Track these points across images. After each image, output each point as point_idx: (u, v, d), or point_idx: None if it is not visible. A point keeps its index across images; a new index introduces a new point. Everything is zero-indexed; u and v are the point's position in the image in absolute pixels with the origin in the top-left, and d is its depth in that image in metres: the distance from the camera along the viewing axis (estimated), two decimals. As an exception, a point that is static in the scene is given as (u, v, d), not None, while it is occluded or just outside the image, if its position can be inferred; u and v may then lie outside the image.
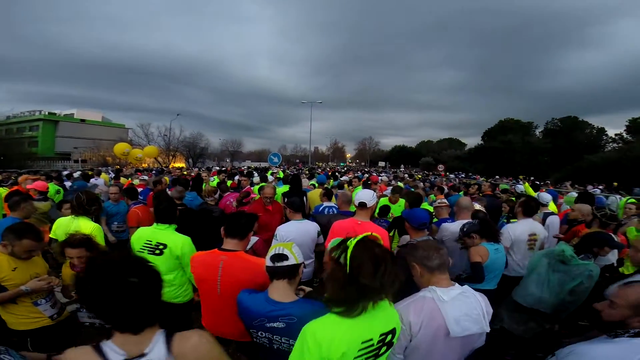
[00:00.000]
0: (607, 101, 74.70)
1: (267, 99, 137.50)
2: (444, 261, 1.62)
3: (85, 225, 3.10)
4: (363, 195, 2.89)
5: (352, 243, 1.35)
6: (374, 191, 3.23)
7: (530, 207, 3.59)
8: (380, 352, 1.37)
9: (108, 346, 1.03)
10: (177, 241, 2.68)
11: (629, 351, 1.27)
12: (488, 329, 1.56)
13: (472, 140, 67.42)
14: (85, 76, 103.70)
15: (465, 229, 2.88)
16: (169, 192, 5.10)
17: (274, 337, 1.62)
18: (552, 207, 5.30)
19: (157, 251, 2.67)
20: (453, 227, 3.25)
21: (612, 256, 3.47)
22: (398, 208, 5.03)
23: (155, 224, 2.80)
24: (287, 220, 3.39)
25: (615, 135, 43.71)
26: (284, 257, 1.64)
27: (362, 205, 2.86)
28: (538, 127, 51.85)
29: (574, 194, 6.85)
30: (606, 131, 46.67)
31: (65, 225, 3.12)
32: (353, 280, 1.26)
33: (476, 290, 2.60)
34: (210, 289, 2.08)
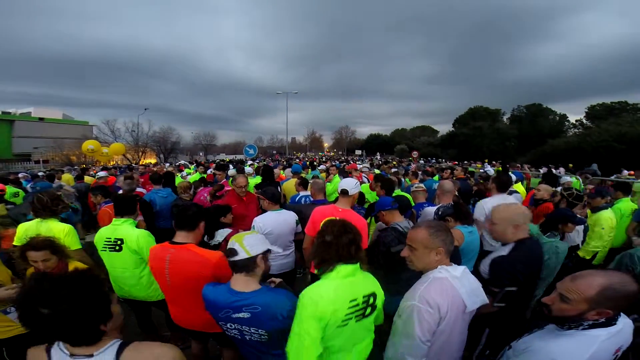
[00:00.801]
0: (569, 89, 79.29)
1: (241, 90, 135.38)
2: (450, 246, 1.65)
3: (57, 228, 2.90)
4: (346, 183, 2.89)
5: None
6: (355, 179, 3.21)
7: (503, 182, 3.72)
8: (366, 313, 1.62)
9: (58, 346, 1.09)
10: (132, 235, 2.63)
11: (585, 344, 1.29)
12: (487, 300, 1.65)
13: (443, 128, 69.37)
14: (43, 72, 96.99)
15: (440, 213, 2.92)
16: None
17: (243, 327, 1.62)
18: (519, 188, 5.51)
19: (117, 247, 2.63)
20: (432, 210, 3.26)
21: (578, 237, 3.66)
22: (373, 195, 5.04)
23: (114, 219, 2.75)
24: (263, 211, 3.34)
25: (576, 121, 46.55)
26: (233, 252, 1.62)
27: (344, 192, 2.87)
28: (505, 114, 53.77)
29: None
30: (568, 117, 49.38)
31: (34, 229, 2.83)
32: (321, 239, 1.66)
33: None
34: (163, 282, 2.11)
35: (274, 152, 55.25)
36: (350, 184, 2.87)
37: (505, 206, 2.19)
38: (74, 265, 2.39)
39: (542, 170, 14.20)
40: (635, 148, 23.23)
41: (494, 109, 53.82)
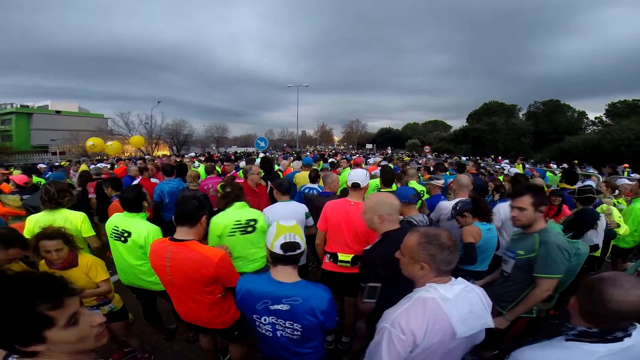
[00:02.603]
0: (589, 86, 76.81)
1: (253, 83, 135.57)
2: (448, 263, 1.37)
3: (73, 216, 2.93)
4: (356, 175, 2.80)
5: None
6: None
7: (520, 183, 3.57)
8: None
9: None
10: (141, 230, 2.59)
11: (574, 358, 1.17)
12: (492, 324, 1.40)
13: (456, 123, 68.42)
14: (59, 66, 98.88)
15: (458, 208, 2.82)
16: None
17: (278, 321, 1.56)
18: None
19: (122, 238, 2.61)
20: (451, 206, 3.15)
21: (596, 238, 3.49)
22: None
23: (125, 211, 2.72)
24: (274, 202, 3.32)
25: (595, 118, 45.05)
26: (296, 246, 1.54)
27: (355, 185, 2.78)
28: (521, 110, 52.48)
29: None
30: (587, 115, 47.93)
31: (44, 220, 2.75)
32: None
33: (468, 272, 2.63)
34: (164, 278, 2.06)
35: (285, 145, 55.42)
36: (361, 176, 2.78)
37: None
38: (84, 257, 2.38)
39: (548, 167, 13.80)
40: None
41: (510, 105, 52.55)
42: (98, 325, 0.99)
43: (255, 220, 2.80)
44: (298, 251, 1.55)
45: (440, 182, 3.98)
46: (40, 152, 35.08)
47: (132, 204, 2.70)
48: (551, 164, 19.36)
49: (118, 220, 2.71)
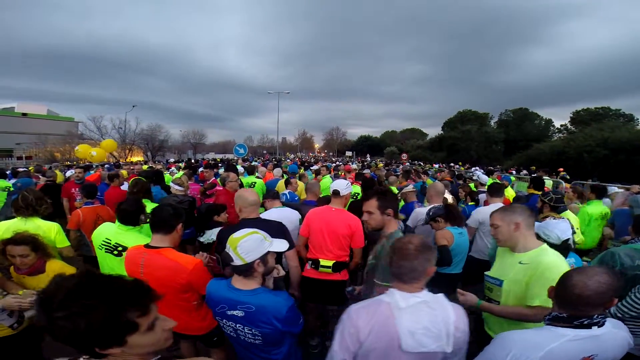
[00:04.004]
0: (555, 95, 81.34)
1: (233, 88, 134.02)
2: (408, 271, 1.37)
3: (47, 226, 2.82)
4: (337, 184, 2.93)
5: None
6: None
7: (495, 189, 3.82)
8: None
9: None
10: (136, 243, 2.47)
11: (546, 338, 1.26)
12: (449, 350, 1.32)
13: (433, 130, 70.22)
14: (28, 66, 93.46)
15: (431, 213, 2.97)
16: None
17: (237, 326, 1.61)
18: (508, 192, 5.67)
19: (116, 252, 2.50)
20: (423, 211, 3.31)
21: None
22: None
23: (118, 223, 2.60)
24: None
25: (561, 126, 48.10)
26: (229, 258, 1.58)
27: (335, 193, 2.90)
28: (493, 118, 54.98)
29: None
30: (553, 122, 51.13)
31: (15, 228, 2.63)
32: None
33: (444, 275, 2.76)
34: None
35: (264, 151, 54.94)
36: (342, 185, 2.91)
37: (239, 190, 2.67)
38: (52, 264, 2.34)
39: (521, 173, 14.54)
40: (616, 153, 24.04)
41: (483, 113, 54.96)
42: (169, 330, 1.03)
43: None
44: (233, 263, 1.57)
45: (410, 187, 4.15)
46: (5, 155, 33.03)
47: (130, 217, 2.58)
48: (512, 170, 20.62)
49: (110, 232, 2.57)
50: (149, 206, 3.20)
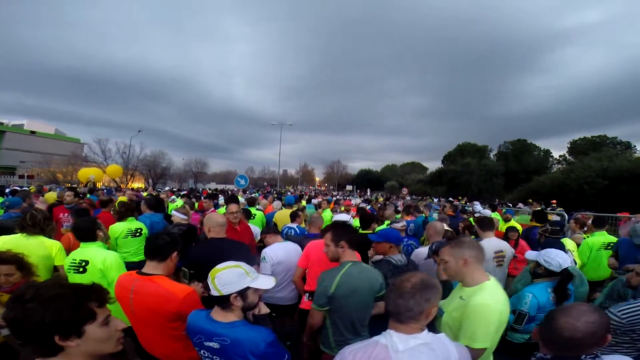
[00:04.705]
0: (552, 124, 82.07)
1: (235, 118, 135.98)
2: (404, 310, 1.31)
3: (49, 243, 2.94)
4: (340, 218, 2.92)
5: None
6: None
7: (485, 223, 3.81)
8: (80, 271, 2.59)
9: None
10: (98, 256, 2.62)
11: None
12: None
13: (433, 164, 70.59)
14: (40, 84, 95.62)
15: (434, 247, 2.95)
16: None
17: (214, 357, 1.58)
18: (515, 224, 5.65)
19: (81, 269, 2.60)
20: (424, 251, 3.29)
21: None
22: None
23: (81, 243, 2.73)
24: (260, 242, 3.35)
25: (560, 156, 48.19)
26: (207, 287, 1.59)
27: None
28: (492, 150, 55.45)
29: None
30: (552, 153, 51.15)
31: (18, 243, 2.75)
32: None
33: None
34: (127, 312, 2.03)
35: (265, 183, 55.19)
36: (344, 219, 2.92)
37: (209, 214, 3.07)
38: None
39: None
40: (617, 183, 23.99)
41: (482, 145, 55.50)
42: (120, 330, 1.16)
43: (87, 262, 2.68)
44: (211, 294, 1.58)
45: (400, 224, 4.14)
46: (8, 173, 32.86)
47: (85, 233, 2.71)
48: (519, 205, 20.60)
49: (75, 253, 2.71)
50: (134, 225, 4.22)
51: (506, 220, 6.90)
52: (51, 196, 9.27)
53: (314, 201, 10.13)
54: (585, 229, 5.39)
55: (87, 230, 2.72)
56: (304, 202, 9.18)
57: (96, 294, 1.10)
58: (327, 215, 6.16)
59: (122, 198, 7.49)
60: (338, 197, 18.03)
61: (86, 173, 18.29)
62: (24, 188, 11.54)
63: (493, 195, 38.10)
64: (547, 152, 51.35)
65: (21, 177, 28.13)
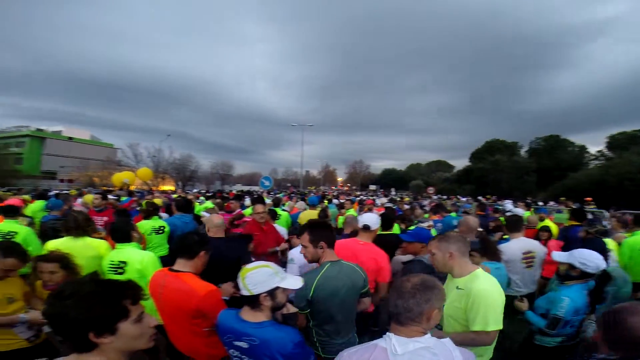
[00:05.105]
0: (587, 119, 77.50)
1: (258, 121, 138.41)
2: (403, 311, 1.27)
3: (96, 243, 3.06)
4: (368, 218, 2.92)
5: None
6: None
7: (513, 222, 3.67)
8: (118, 272, 2.68)
9: None
10: (135, 256, 2.71)
11: None
12: None
13: (460, 162, 68.36)
14: (75, 92, 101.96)
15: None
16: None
17: (242, 357, 1.60)
18: (549, 224, 5.40)
19: (120, 270, 2.69)
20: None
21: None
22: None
23: (116, 244, 2.85)
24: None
25: (597, 152, 44.98)
26: (237, 286, 1.62)
27: (366, 227, 2.88)
28: (523, 147, 53.00)
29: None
30: (587, 149, 47.99)
31: (66, 246, 2.83)
32: None
33: None
34: (157, 306, 2.12)
35: (288, 184, 55.69)
36: (372, 220, 2.90)
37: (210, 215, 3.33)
38: None
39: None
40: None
41: (511, 142, 53.15)
42: (153, 327, 1.18)
43: (124, 263, 2.77)
44: (241, 293, 1.60)
45: (426, 223, 4.04)
46: (49, 178, 35.27)
47: (121, 235, 2.83)
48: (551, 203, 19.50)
49: (112, 254, 2.81)
50: (158, 223, 4.55)
51: (540, 219, 6.59)
52: (89, 198, 9.84)
53: (335, 201, 10.11)
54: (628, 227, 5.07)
55: (122, 231, 2.84)
56: (326, 202, 9.20)
57: (130, 291, 1.12)
58: (351, 214, 6.05)
59: (158, 201, 7.82)
60: (362, 196, 17.87)
61: (119, 178, 19.28)
62: (64, 191, 12.31)
63: (525, 193, 36.41)
64: (583, 148, 48.27)
65: (61, 181, 30.05)
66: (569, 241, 4.65)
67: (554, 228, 5.35)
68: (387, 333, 1.30)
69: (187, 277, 2.03)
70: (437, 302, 1.29)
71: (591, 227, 3.87)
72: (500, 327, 1.79)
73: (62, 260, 2.40)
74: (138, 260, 2.67)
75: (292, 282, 1.69)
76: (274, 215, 5.37)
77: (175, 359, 2.23)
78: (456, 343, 1.69)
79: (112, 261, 2.75)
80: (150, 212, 4.71)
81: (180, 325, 2.04)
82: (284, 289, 1.66)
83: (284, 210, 6.98)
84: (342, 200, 10.36)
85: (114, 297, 1.06)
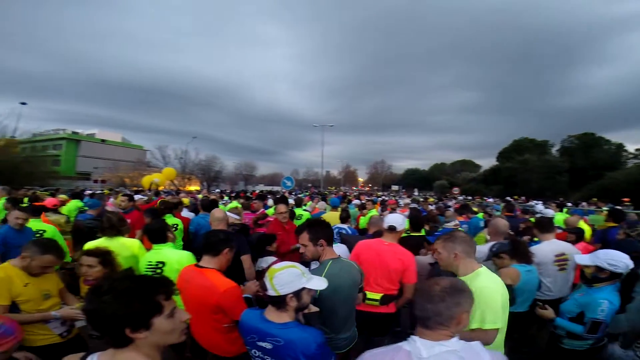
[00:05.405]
0: (623, 116, 72.26)
1: (279, 121, 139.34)
2: (433, 315, 1.23)
3: (129, 242, 3.16)
4: (394, 219, 2.88)
5: None
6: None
7: (544, 224, 3.50)
8: (157, 272, 2.67)
9: (92, 357, 1.10)
10: (173, 256, 2.74)
11: None
12: None
13: (486, 162, 66.09)
14: (106, 95, 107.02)
15: (494, 249, 2.77)
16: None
17: (265, 357, 1.60)
18: (583, 226, 5.13)
19: (158, 270, 2.72)
20: (485, 249, 3.11)
21: None
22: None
23: (153, 245, 2.89)
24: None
25: (636, 150, 42.40)
26: (264, 286, 1.61)
27: (392, 228, 2.84)
28: (554, 146, 50.70)
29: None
30: (625, 147, 45.17)
31: (103, 246, 2.93)
32: None
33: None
34: (183, 301, 2.19)
35: (309, 185, 55.93)
36: (398, 220, 2.85)
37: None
38: None
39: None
40: None
41: (541, 141, 50.88)
42: (184, 322, 1.19)
43: (162, 264, 2.80)
44: (268, 293, 1.59)
45: (452, 223, 3.94)
46: (83, 178, 37.08)
47: (156, 235, 2.88)
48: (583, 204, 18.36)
49: (149, 255, 2.86)
50: (171, 221, 4.61)
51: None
52: (120, 199, 10.29)
53: (357, 202, 10.07)
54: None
55: (159, 232, 2.89)
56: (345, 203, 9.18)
57: (163, 286, 1.14)
58: (372, 215, 6.03)
59: (185, 200, 8.09)
60: (384, 197, 17.66)
61: (148, 180, 20.24)
62: (98, 191, 12.97)
63: (557, 194, 34.77)
64: (620, 146, 45.37)
65: (95, 181, 31.58)
66: (607, 244, 4.41)
67: (588, 230, 5.08)
68: (412, 336, 1.27)
69: (210, 274, 2.09)
70: (466, 306, 1.26)
71: (632, 230, 3.63)
72: (498, 326, 1.78)
73: (103, 255, 2.46)
74: (176, 260, 2.71)
75: (318, 282, 1.69)
76: (293, 216, 5.43)
77: (197, 355, 2.28)
78: None
79: (150, 261, 2.79)
80: (163, 210, 4.87)
81: (202, 320, 2.08)
82: (309, 290, 1.65)
83: (305, 210, 7.02)
84: (363, 201, 10.28)
85: (148, 292, 1.08)
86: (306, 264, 2.22)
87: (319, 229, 2.17)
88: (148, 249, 3.13)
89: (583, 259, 2.46)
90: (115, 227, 3.17)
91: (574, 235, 4.43)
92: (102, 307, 1.02)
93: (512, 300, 2.53)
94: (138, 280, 1.13)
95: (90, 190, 13.46)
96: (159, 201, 6.55)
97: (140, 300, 1.05)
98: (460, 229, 4.11)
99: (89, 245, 3.04)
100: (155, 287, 1.12)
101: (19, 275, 2.18)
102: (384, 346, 1.33)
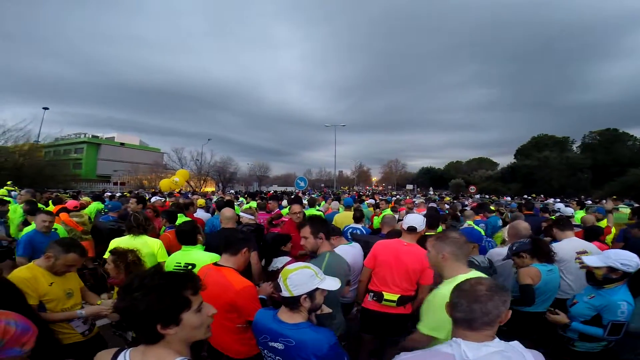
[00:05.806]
0: None
1: (292, 122, 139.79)
2: (480, 315, 1.19)
3: (152, 241, 3.24)
4: (414, 219, 2.86)
5: None
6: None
7: (563, 222, 3.46)
8: None
9: (124, 353, 1.12)
10: (203, 259, 2.75)
11: None
12: None
13: (504, 159, 64.50)
14: (124, 99, 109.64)
15: (514, 248, 2.70)
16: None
17: (277, 358, 1.60)
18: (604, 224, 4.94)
19: None
20: (503, 251, 3.04)
21: None
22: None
23: (182, 246, 2.92)
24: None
25: None
26: (278, 287, 1.62)
27: (411, 229, 2.83)
28: (575, 142, 49.28)
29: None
30: None
31: (127, 244, 2.98)
32: None
33: (527, 313, 2.54)
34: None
35: (322, 185, 55.84)
36: (419, 221, 2.82)
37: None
38: None
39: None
40: None
41: (562, 137, 49.62)
42: (211, 316, 1.22)
43: (193, 265, 2.81)
44: (282, 294, 1.59)
45: (467, 222, 3.87)
46: (104, 181, 38.13)
47: (187, 237, 2.90)
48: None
49: (178, 256, 2.89)
50: (182, 220, 4.21)
51: (597, 220, 6.03)
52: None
53: (371, 201, 10.02)
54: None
55: (190, 234, 2.92)
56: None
57: (191, 282, 1.15)
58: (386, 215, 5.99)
59: (201, 201, 8.22)
60: (398, 196, 17.48)
61: (166, 184, 20.65)
62: (117, 194, 13.35)
63: (578, 192, 33.64)
64: (645, 142, 43.67)
65: (115, 184, 32.41)
66: (629, 242, 4.25)
67: (609, 237, 4.90)
68: (453, 339, 1.23)
69: (228, 272, 2.12)
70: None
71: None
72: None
73: (121, 255, 2.53)
74: (206, 262, 2.69)
75: (331, 283, 1.68)
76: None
77: (213, 356, 2.28)
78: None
79: (179, 263, 2.81)
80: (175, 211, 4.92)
81: (215, 318, 2.10)
82: (322, 290, 1.65)
83: (319, 210, 7.02)
84: (377, 200, 10.22)
85: (177, 288, 1.10)
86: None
87: (320, 224, 2.40)
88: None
89: (593, 260, 2.36)
90: (142, 226, 3.26)
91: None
92: (134, 303, 1.03)
93: (531, 301, 2.53)
94: (166, 275, 1.16)
95: (109, 192, 13.82)
96: (170, 203, 6.70)
97: (170, 296, 1.07)
98: (478, 227, 4.03)
99: (114, 243, 3.15)
100: (183, 282, 1.12)
101: (44, 274, 2.23)
102: (415, 350, 1.31)
